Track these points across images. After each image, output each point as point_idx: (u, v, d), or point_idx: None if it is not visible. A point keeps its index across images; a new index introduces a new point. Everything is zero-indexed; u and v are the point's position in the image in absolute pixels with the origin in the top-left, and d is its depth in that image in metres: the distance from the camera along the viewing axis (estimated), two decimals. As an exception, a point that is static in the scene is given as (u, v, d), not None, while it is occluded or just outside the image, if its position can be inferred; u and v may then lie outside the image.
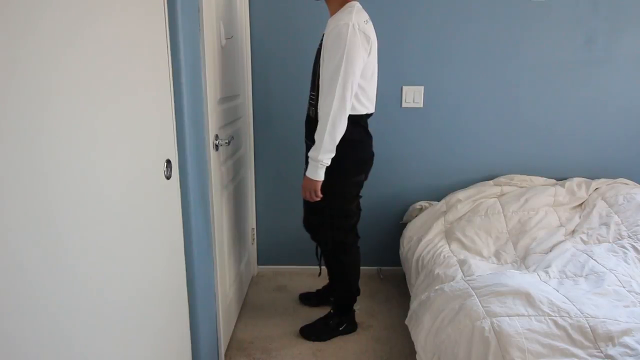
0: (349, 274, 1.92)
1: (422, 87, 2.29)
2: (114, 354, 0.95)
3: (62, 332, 0.76)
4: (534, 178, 2.34)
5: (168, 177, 1.21)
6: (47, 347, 0.72)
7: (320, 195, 1.65)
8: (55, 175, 0.73)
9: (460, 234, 2.01)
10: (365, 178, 1.80)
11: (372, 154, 1.79)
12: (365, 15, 1.57)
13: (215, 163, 1.60)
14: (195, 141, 1.39)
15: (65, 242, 0.76)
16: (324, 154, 1.56)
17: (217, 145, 1.62)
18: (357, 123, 1.64)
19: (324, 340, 1.95)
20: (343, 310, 1.98)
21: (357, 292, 1.99)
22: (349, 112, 1.55)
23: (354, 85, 1.52)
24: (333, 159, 1.60)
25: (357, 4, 1.58)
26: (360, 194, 1.84)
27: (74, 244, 0.79)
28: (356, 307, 2.08)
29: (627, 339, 1.18)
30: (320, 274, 2.11)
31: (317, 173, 1.60)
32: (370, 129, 1.77)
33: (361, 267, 2.18)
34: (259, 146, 2.40)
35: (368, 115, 1.70)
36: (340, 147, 1.58)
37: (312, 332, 1.97)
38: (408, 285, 2.03)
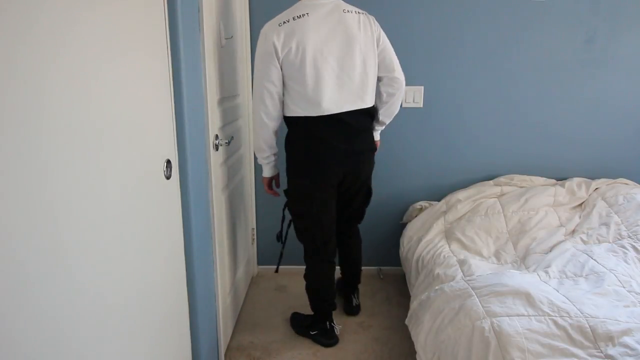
0: (308, 282, 1.89)
1: (422, 87, 2.29)
2: (114, 353, 0.95)
3: (62, 332, 0.76)
4: (534, 178, 2.34)
5: (168, 177, 1.21)
6: (47, 348, 0.72)
7: (270, 191, 1.83)
8: (55, 175, 0.73)
9: (460, 234, 2.01)
10: (319, 183, 1.67)
11: (322, 161, 1.65)
12: (292, 13, 1.55)
13: (215, 163, 1.60)
14: (195, 141, 1.39)
15: (65, 242, 0.76)
16: (256, 151, 1.73)
17: (217, 145, 1.62)
18: (296, 125, 1.65)
19: (298, 333, 1.99)
20: (315, 316, 1.94)
21: (323, 308, 1.90)
22: (264, 113, 1.60)
23: (263, 91, 1.57)
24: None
25: (304, 1, 1.58)
26: (321, 207, 1.72)
27: (73, 244, 0.79)
28: (337, 326, 1.94)
29: (627, 339, 1.18)
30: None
31: (263, 170, 1.78)
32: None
33: (362, 267, 2.17)
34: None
35: (312, 119, 1.60)
36: (285, 147, 1.71)
37: (293, 320, 2.04)
38: (408, 285, 2.03)
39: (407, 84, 2.28)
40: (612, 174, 2.37)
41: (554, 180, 2.35)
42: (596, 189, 2.24)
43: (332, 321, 1.93)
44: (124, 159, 0.96)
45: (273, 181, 1.86)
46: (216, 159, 1.63)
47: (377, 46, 1.64)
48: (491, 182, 2.35)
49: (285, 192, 1.79)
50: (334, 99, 1.59)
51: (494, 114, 2.33)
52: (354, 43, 1.57)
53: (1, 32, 0.61)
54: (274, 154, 1.75)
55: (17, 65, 0.64)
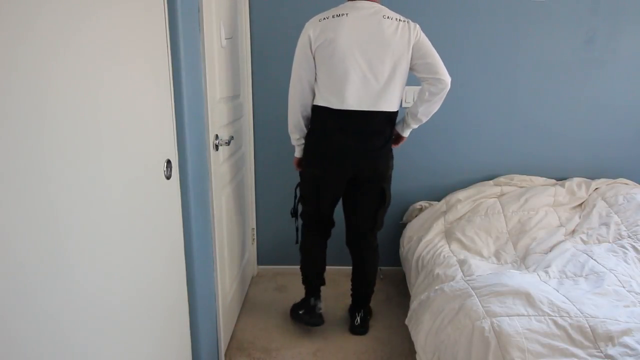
0: (301, 254, 2.01)
1: (422, 87, 2.29)
2: (114, 353, 0.95)
3: (63, 331, 0.76)
4: (534, 178, 2.34)
5: (168, 177, 1.21)
6: (48, 347, 0.72)
7: (299, 169, 1.90)
8: (56, 176, 0.73)
9: (460, 234, 2.01)
10: (325, 175, 1.75)
11: (330, 155, 1.71)
12: (334, 11, 1.64)
13: (215, 163, 1.60)
14: (195, 141, 1.39)
15: (65, 242, 0.76)
16: (290, 133, 1.82)
17: (217, 145, 1.62)
18: (316, 114, 1.74)
19: (292, 318, 2.06)
20: (305, 294, 2.06)
21: (311, 285, 2.02)
22: (294, 99, 1.74)
23: (296, 77, 1.71)
24: None
25: (349, 3, 1.66)
26: (324, 198, 1.82)
27: (73, 244, 0.79)
28: (320, 303, 2.03)
29: (627, 339, 1.18)
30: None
31: (295, 150, 1.87)
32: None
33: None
34: (259, 146, 2.40)
35: (332, 111, 1.67)
36: (306, 134, 1.80)
37: (291, 309, 2.10)
38: (408, 285, 2.03)
39: (407, 84, 2.28)
40: (612, 174, 2.38)
41: (554, 180, 2.35)
42: (596, 189, 2.24)
43: (317, 298, 2.02)
44: (124, 159, 0.96)
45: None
46: (216, 159, 1.63)
47: (416, 52, 1.67)
48: (491, 182, 2.35)
49: (300, 173, 1.90)
50: (356, 97, 1.66)
51: (494, 114, 2.33)
52: (387, 48, 1.62)
53: (8, 37, 0.61)
54: (304, 138, 1.83)
55: (19, 66, 0.64)
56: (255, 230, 2.51)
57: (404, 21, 1.65)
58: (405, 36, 1.63)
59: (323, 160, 1.74)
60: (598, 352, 1.18)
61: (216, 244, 1.62)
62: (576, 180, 2.29)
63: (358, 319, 2.01)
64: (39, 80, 0.68)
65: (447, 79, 1.71)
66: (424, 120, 1.82)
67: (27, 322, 0.67)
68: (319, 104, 1.71)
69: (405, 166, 2.41)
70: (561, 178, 2.38)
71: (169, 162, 1.21)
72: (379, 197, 1.82)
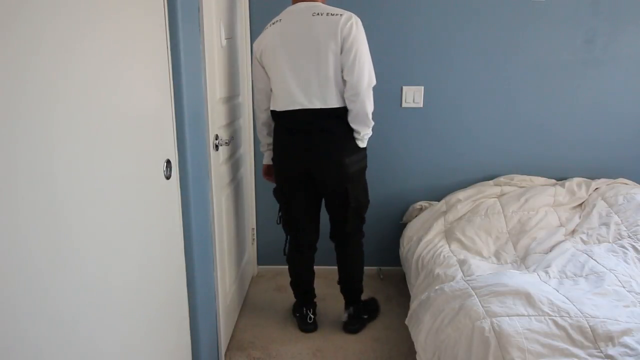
0: (288, 269, 2.02)
1: (422, 87, 2.29)
2: (114, 353, 0.95)
3: (64, 331, 0.76)
4: (534, 178, 2.34)
5: (168, 177, 1.21)
6: (50, 345, 0.72)
7: (265, 177, 2.01)
8: (59, 175, 0.73)
9: (460, 234, 2.01)
10: (282, 172, 1.80)
11: (284, 152, 1.76)
12: (274, 19, 1.70)
13: (215, 163, 1.60)
14: (195, 141, 1.39)
15: (65, 242, 0.76)
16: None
17: (217, 145, 1.62)
18: (273, 118, 1.81)
19: (292, 314, 2.12)
20: (296, 301, 2.10)
21: (297, 293, 2.04)
22: (255, 106, 1.88)
23: (254, 88, 1.84)
24: None
25: (288, 8, 1.70)
26: (290, 198, 1.83)
27: (74, 245, 0.79)
28: (311, 314, 2.01)
29: (627, 339, 1.18)
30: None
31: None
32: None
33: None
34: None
35: (278, 113, 1.73)
36: None
37: (294, 304, 2.15)
38: (408, 285, 2.03)
39: (407, 84, 2.29)
40: (612, 174, 2.37)
41: (554, 180, 2.35)
42: (596, 189, 2.24)
43: (309, 309, 2.02)
44: (124, 159, 0.96)
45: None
46: (216, 158, 1.63)
47: (344, 48, 1.58)
48: (491, 182, 2.35)
49: None
50: (291, 99, 1.67)
51: (494, 114, 2.33)
52: (315, 46, 1.59)
53: (11, 39, 0.61)
54: (268, 144, 1.93)
55: (22, 68, 0.64)
56: (255, 230, 2.51)
57: (336, 15, 1.57)
58: (332, 29, 1.56)
59: (278, 159, 1.81)
60: (598, 352, 1.18)
61: (216, 244, 1.62)
62: (576, 180, 2.29)
63: (346, 315, 2.02)
64: (42, 83, 0.68)
65: (360, 84, 1.58)
66: (359, 129, 1.68)
67: (31, 320, 0.67)
68: (270, 108, 1.78)
69: (405, 166, 2.41)
70: (561, 178, 2.38)
71: (168, 162, 1.21)
72: (342, 198, 1.77)
